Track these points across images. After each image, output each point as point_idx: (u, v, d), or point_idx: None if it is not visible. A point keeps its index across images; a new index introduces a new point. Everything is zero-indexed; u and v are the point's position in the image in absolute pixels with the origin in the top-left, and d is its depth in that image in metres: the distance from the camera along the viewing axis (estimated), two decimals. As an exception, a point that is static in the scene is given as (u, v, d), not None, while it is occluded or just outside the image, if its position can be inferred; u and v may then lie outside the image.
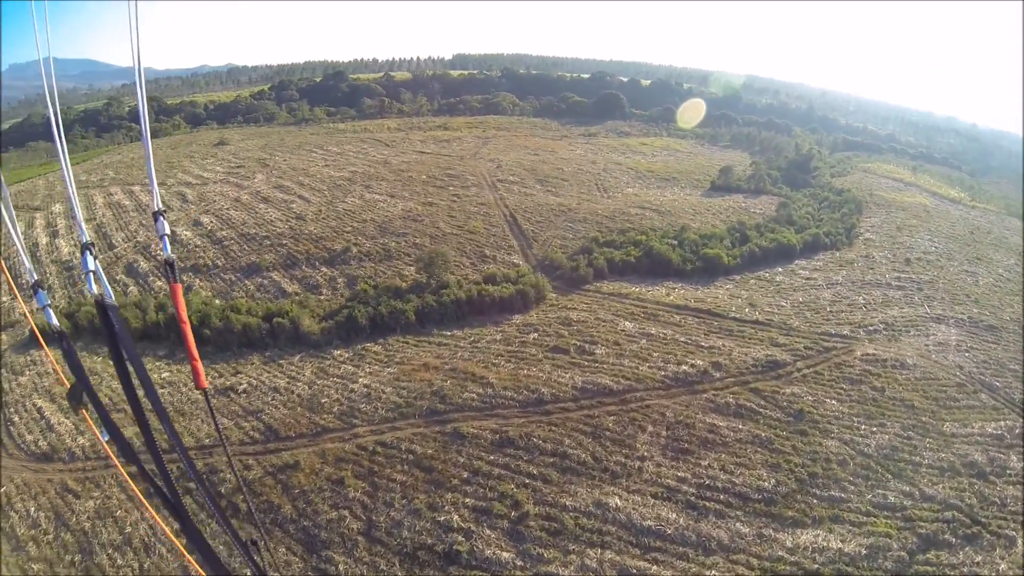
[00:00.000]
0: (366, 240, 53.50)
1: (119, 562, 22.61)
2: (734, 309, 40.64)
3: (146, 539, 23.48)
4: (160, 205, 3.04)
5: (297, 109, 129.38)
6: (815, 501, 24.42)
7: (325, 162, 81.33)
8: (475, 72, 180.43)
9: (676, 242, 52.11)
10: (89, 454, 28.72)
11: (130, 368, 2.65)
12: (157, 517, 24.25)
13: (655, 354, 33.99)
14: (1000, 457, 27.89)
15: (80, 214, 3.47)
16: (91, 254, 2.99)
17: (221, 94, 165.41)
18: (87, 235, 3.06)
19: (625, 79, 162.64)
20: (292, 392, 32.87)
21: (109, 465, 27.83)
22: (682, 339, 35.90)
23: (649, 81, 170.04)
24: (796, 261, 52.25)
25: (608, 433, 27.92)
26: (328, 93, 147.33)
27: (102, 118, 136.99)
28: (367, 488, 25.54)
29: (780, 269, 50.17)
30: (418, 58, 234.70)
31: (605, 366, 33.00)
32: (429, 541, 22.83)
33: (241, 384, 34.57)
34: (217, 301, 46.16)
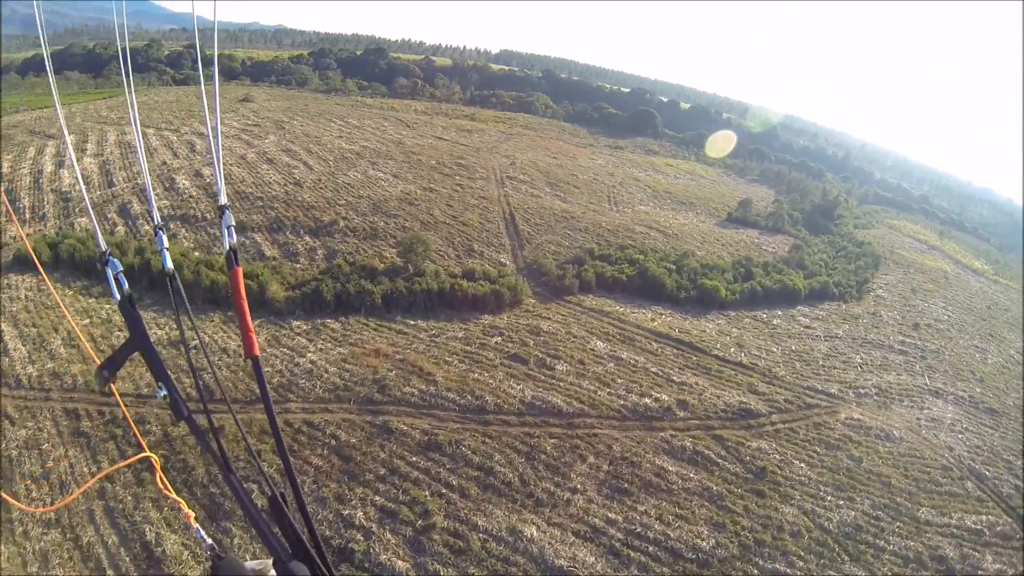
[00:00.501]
0: (356, 216, 51.34)
1: (34, 494, 21.83)
2: (719, 346, 37.84)
3: (64, 476, 22.60)
4: (225, 200, 3.19)
5: (330, 78, 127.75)
6: (755, 571, 21.62)
7: (340, 133, 79.38)
8: (515, 69, 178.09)
9: (674, 267, 49.36)
10: (34, 384, 27.69)
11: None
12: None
13: (619, 380, 31.28)
14: (974, 555, 24.93)
15: (153, 197, 3.97)
16: (164, 234, 3.34)
17: (261, 52, 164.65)
18: (158, 218, 3.31)
19: (665, 99, 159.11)
20: (240, 356, 31.01)
21: (49, 398, 26.93)
22: (653, 369, 33.13)
23: (689, 105, 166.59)
24: (798, 307, 49.34)
25: (544, 456, 25.34)
26: (365, 67, 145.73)
27: (140, 59, 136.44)
28: (282, 466, 23.56)
29: (779, 312, 47.29)
30: (464, 47, 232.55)
31: (561, 384, 30.40)
32: (327, 533, 21.10)
33: (193, 340, 33.10)
34: (196, 254, 44.82)
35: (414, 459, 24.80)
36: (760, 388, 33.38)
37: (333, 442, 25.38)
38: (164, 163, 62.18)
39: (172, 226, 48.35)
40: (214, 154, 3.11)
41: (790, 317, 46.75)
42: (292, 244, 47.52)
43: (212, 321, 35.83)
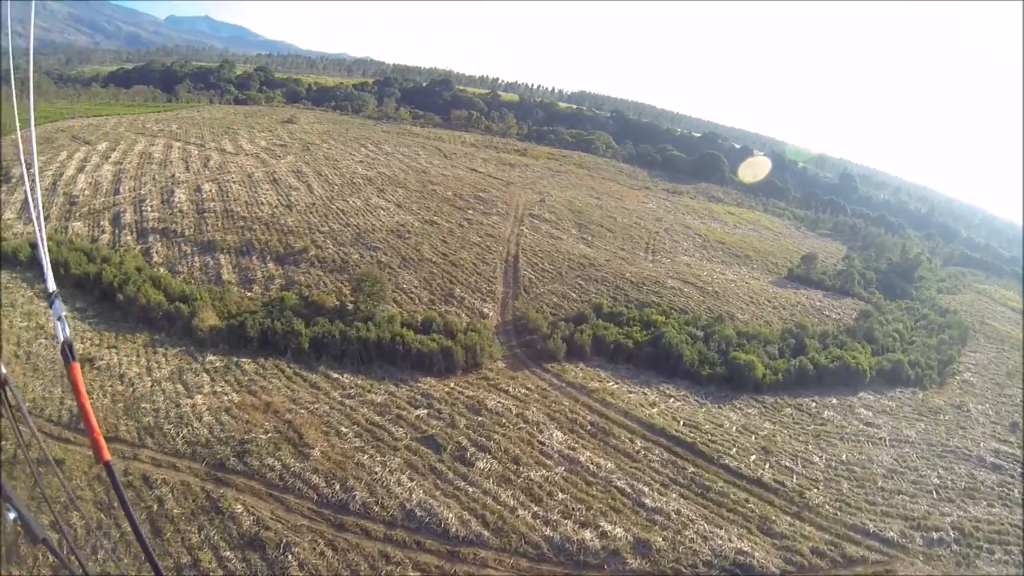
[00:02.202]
0: (332, 245, 44.41)
1: None
2: (734, 452, 27.41)
3: None
4: (54, 287, 2.81)
5: (383, 105, 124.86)
6: None
7: (364, 158, 73.53)
8: (583, 108, 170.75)
9: (702, 333, 39.29)
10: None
11: None
12: None
13: (558, 496, 21.62)
14: None
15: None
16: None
17: (328, 79, 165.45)
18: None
19: (738, 146, 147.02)
20: (133, 387, 26.64)
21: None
22: (620, 483, 23.11)
23: (763, 153, 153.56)
24: (861, 393, 38.21)
25: (392, 597, 16.46)
26: (429, 98, 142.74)
27: (212, 78, 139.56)
28: (94, 522, 18.37)
29: (834, 400, 36.39)
30: (538, 85, 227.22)
31: (471, 491, 21.15)
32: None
33: (103, 359, 29.03)
34: (162, 270, 40.43)
35: (226, 554, 17.87)
36: (778, 525, 22.82)
37: (155, 507, 19.44)
38: (172, 176, 58.93)
39: (152, 239, 45.20)
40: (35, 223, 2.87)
41: (847, 408, 35.71)
42: (253, 270, 41.39)
43: (132, 344, 31.56)
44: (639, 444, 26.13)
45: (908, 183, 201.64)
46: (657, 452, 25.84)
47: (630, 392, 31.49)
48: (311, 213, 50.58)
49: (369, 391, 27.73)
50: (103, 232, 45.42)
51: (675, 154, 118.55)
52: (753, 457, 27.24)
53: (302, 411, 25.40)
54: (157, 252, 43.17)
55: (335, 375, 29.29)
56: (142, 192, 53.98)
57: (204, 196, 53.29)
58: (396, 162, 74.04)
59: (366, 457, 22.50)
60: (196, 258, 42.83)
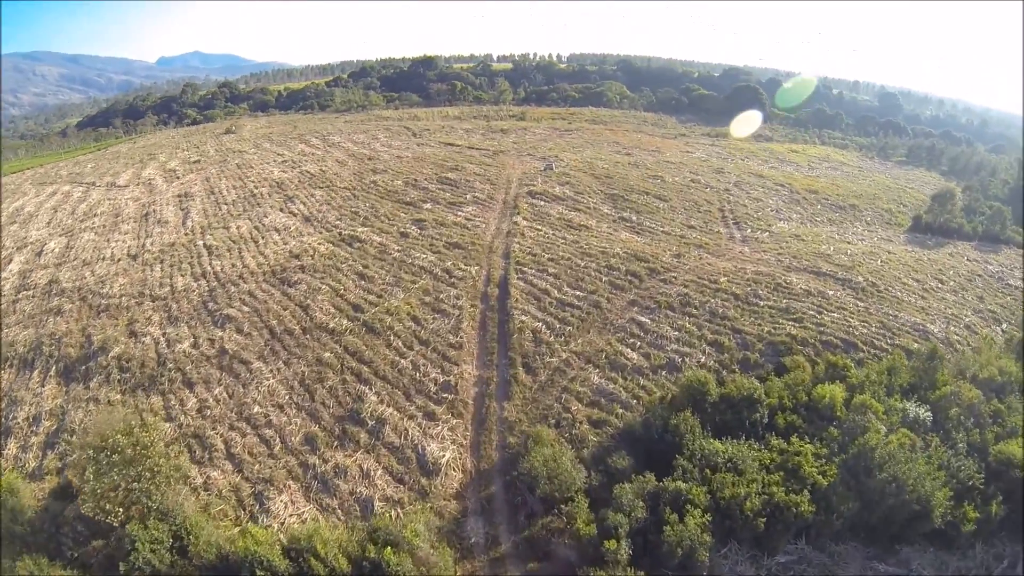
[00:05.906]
0: (157, 325, 23.25)
1: None
2: None
3: None
4: None
5: (350, 95, 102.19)
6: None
7: (292, 157, 50.95)
8: (585, 65, 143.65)
9: (927, 414, 16.39)
10: None
11: None
12: None
13: None
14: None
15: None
16: None
17: (297, 83, 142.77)
18: None
19: (763, 80, 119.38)
20: None
21: None
22: None
23: (791, 84, 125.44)
24: None
25: None
26: (411, 81, 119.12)
27: (175, 105, 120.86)
28: None
29: None
30: (532, 54, 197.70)
31: None
32: None
33: None
34: None
35: None
36: None
37: None
38: (25, 238, 40.57)
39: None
40: None
41: None
42: (20, 403, 20.91)
43: None
44: None
45: (941, 98, 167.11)
46: None
47: None
48: (160, 261, 29.53)
49: None
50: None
51: (704, 93, 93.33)
52: None
53: None
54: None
55: None
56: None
57: (41, 261, 34.08)
58: (337, 153, 51.66)
59: None
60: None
